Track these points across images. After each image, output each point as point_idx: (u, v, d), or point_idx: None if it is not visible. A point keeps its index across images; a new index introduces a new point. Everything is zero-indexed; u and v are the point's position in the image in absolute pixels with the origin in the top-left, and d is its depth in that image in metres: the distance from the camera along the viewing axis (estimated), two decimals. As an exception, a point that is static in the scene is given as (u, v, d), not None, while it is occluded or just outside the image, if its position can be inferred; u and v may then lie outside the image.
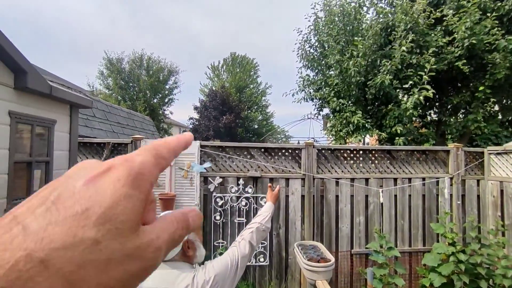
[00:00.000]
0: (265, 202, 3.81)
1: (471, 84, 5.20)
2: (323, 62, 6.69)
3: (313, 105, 7.21)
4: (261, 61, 54.57)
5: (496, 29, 4.67)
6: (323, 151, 3.93)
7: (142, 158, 0.23)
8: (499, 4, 4.82)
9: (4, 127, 2.15)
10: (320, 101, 6.94)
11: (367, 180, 3.94)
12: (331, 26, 5.88)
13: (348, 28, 5.67)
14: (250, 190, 3.75)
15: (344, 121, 5.63)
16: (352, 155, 3.99)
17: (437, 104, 5.91)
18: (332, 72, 6.19)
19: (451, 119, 5.45)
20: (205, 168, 3.71)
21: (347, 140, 5.77)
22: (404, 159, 4.04)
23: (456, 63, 4.82)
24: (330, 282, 3.44)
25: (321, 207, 3.85)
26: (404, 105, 4.78)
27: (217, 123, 17.81)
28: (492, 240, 3.36)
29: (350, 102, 5.80)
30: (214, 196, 3.73)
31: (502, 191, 3.82)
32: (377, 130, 5.42)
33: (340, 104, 5.83)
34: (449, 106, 5.68)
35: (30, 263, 0.17)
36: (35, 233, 0.18)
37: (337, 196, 3.88)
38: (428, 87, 4.71)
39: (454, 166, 4.01)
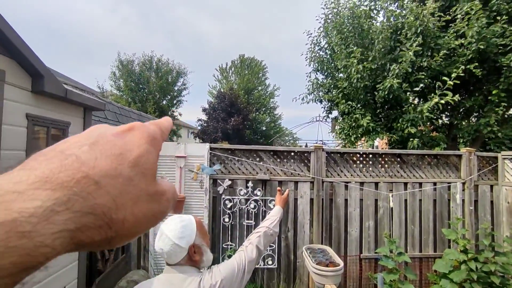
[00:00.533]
0: (273, 205, 3.83)
1: (484, 88, 5.11)
2: (333, 64, 6.67)
3: (322, 107, 7.21)
4: (270, 62, 54.57)
5: (508, 31, 4.58)
6: (332, 154, 3.91)
7: (153, 127, 0.30)
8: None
9: (21, 129, 2.21)
10: (329, 104, 6.91)
11: (376, 184, 3.90)
12: (341, 28, 5.86)
13: (357, 31, 5.64)
14: (259, 193, 3.76)
15: (354, 124, 5.59)
16: (361, 158, 3.97)
17: (449, 107, 5.82)
18: (341, 75, 6.17)
19: (463, 123, 5.36)
20: (214, 171, 3.74)
21: (356, 143, 5.72)
22: (414, 163, 4.00)
23: (468, 66, 4.75)
24: (339, 286, 3.42)
25: (330, 211, 3.83)
26: (420, 108, 4.72)
27: (225, 125, 17.88)
28: (507, 248, 3.29)
29: (359, 105, 5.76)
30: (223, 198, 3.76)
31: (516, 197, 3.74)
32: (388, 133, 5.36)
33: (349, 107, 5.79)
34: (461, 110, 5.59)
35: (88, 182, 0.22)
36: (87, 162, 0.23)
37: (346, 200, 3.85)
38: (449, 92, 4.64)
39: (466, 171, 3.94)
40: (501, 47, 4.69)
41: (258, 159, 3.85)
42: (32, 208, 0.20)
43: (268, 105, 24.29)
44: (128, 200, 0.24)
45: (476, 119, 5.36)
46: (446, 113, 5.91)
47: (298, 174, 3.83)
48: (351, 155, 3.94)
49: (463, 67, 4.71)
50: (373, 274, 3.63)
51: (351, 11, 5.68)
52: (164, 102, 17.88)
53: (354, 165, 3.93)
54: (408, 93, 5.03)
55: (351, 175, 3.91)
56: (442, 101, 4.59)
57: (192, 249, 1.25)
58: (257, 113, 22.88)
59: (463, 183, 3.94)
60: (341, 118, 6.44)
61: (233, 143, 11.63)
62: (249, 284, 3.67)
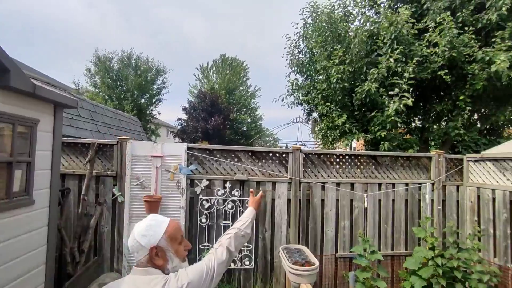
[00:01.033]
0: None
1: (453, 93, 5.38)
2: (312, 67, 6.78)
3: (302, 109, 7.32)
4: (251, 63, 54.70)
5: (473, 41, 4.86)
6: (310, 155, 3.98)
7: None
8: (477, 16, 5.02)
9: (-16, 126, 2.09)
10: (309, 105, 7.02)
11: (352, 184, 4.01)
12: (319, 32, 5.98)
13: (335, 34, 5.78)
14: (236, 193, 3.76)
15: (331, 124, 5.72)
16: (338, 160, 4.06)
17: (421, 111, 6.08)
18: (320, 77, 6.29)
19: (434, 126, 5.62)
20: (191, 171, 3.70)
21: (335, 144, 5.86)
22: (388, 164, 4.14)
23: (439, 73, 4.99)
24: (314, 285, 3.48)
25: (307, 211, 3.89)
26: (386, 112, 4.91)
27: (206, 125, 17.73)
28: (469, 244, 3.48)
29: (337, 107, 5.90)
30: (201, 199, 3.73)
31: (479, 196, 3.97)
32: (363, 134, 5.53)
33: (328, 108, 5.92)
34: (432, 114, 5.86)
35: None
36: None
37: (323, 200, 3.93)
38: (408, 95, 4.84)
39: (435, 172, 4.13)
40: (467, 56, 4.97)
41: (236, 159, 3.85)
42: None
43: (249, 105, 24.33)
44: None
45: (445, 122, 5.63)
46: (419, 116, 6.17)
47: (276, 174, 3.86)
48: (328, 156, 4.03)
49: (430, 71, 4.94)
50: (347, 273, 3.72)
51: (328, 16, 5.81)
52: (143, 100, 17.43)
53: (331, 166, 4.02)
54: (384, 97, 5.21)
55: (328, 176, 3.99)
56: (401, 105, 4.77)
57: (153, 250, 1.21)
58: (238, 113, 22.85)
59: (433, 184, 4.13)
60: (319, 120, 6.57)
61: (213, 143, 11.56)
62: (225, 285, 3.66)
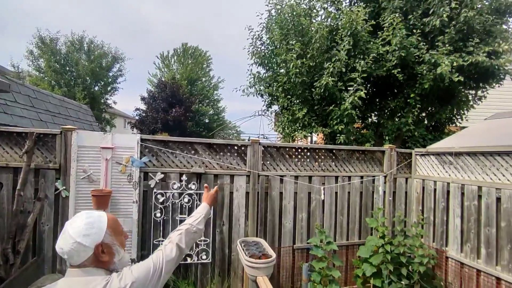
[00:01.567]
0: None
1: (405, 91, 5.70)
2: (274, 60, 6.76)
3: (262, 101, 7.29)
4: (215, 54, 53.56)
5: (421, 43, 5.18)
6: (269, 148, 3.96)
7: None
8: (424, 20, 5.35)
9: None
10: (270, 98, 7.02)
11: (310, 177, 4.07)
12: (281, 25, 5.96)
13: (297, 28, 5.80)
14: (193, 187, 3.62)
15: (291, 118, 5.76)
16: (297, 153, 4.09)
17: (377, 107, 6.37)
18: (282, 70, 6.29)
19: (389, 122, 5.93)
20: (144, 163, 3.48)
21: (295, 137, 5.93)
22: (345, 158, 4.27)
23: (393, 71, 5.24)
24: (272, 277, 3.49)
25: (265, 204, 3.88)
26: (343, 106, 5.06)
27: (166, 116, 17.06)
28: (414, 232, 3.74)
29: (298, 100, 5.96)
30: (155, 192, 3.53)
31: (423, 188, 4.26)
32: (322, 128, 5.65)
33: (288, 102, 5.95)
34: (386, 110, 6.16)
35: None
36: None
37: (281, 193, 3.94)
38: (362, 88, 5.04)
39: (388, 165, 4.35)
40: (417, 57, 5.28)
41: (193, 152, 3.70)
42: None
43: (212, 97, 23.87)
44: None
45: (398, 119, 5.96)
46: (375, 112, 6.46)
47: (235, 167, 3.79)
48: (287, 149, 4.04)
49: (385, 69, 5.19)
50: (303, 263, 3.79)
51: (291, 9, 5.79)
52: (97, 88, 16.16)
53: (290, 159, 4.04)
54: (342, 91, 5.35)
55: (287, 169, 4.01)
56: (356, 97, 4.96)
57: (99, 248, 1.13)
58: (200, 105, 22.33)
59: (385, 176, 4.35)
60: (280, 113, 6.60)
61: (174, 135, 11.13)
62: (181, 281, 3.53)
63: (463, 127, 5.95)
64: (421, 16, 5.42)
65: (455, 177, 3.77)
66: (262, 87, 7.03)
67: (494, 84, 5.68)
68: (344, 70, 5.21)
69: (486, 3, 5.22)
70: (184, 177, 3.61)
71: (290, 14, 5.81)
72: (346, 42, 5.12)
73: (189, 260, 3.60)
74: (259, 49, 6.96)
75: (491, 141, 3.63)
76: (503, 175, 3.22)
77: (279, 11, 6.29)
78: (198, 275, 3.66)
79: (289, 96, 6.07)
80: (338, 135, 5.26)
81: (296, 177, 4.00)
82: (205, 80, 24.25)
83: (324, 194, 4.05)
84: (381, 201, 4.32)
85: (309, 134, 5.87)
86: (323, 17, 6.02)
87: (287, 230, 3.96)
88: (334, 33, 5.54)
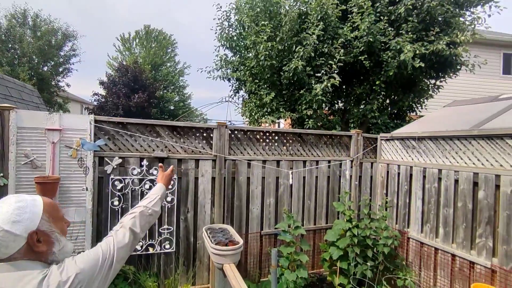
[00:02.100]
0: (172, 186, 3.47)
1: (370, 78, 5.79)
2: (242, 43, 6.52)
3: (229, 85, 7.04)
4: (181, 39, 51.48)
5: (388, 30, 5.26)
6: (236, 132, 3.78)
7: None
8: (391, 8, 5.43)
9: None
10: (237, 82, 6.80)
11: (278, 162, 3.98)
12: (251, 5, 5.72)
13: (267, 10, 5.60)
14: (155, 172, 3.36)
15: (259, 102, 5.61)
16: (265, 137, 3.96)
17: (344, 94, 6.43)
18: (250, 54, 6.09)
19: (355, 109, 6.01)
20: (99, 146, 3.14)
21: (261, 122, 5.80)
22: (313, 142, 4.23)
23: (360, 57, 5.27)
24: (239, 264, 3.38)
25: (232, 189, 3.73)
26: (314, 91, 5.01)
27: (128, 102, 16.04)
28: (379, 215, 3.82)
29: (266, 85, 5.81)
30: (112, 179, 3.22)
31: (388, 172, 4.37)
32: (290, 113, 5.58)
33: (256, 86, 5.79)
34: (353, 97, 6.24)
35: None
36: None
37: (248, 178, 3.81)
38: (336, 75, 5.03)
39: (354, 150, 4.39)
40: (383, 44, 5.36)
41: (155, 135, 3.42)
42: None
43: (177, 83, 22.90)
44: None
45: (364, 105, 6.06)
46: (342, 99, 6.52)
47: (200, 151, 3.57)
48: (255, 133, 3.89)
49: (352, 55, 5.22)
50: (272, 249, 3.73)
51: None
52: (46, 68, 14.57)
53: (258, 144, 3.90)
54: (311, 77, 5.29)
55: (254, 153, 3.87)
56: (329, 84, 4.96)
57: (34, 236, 0.94)
58: (165, 91, 21.35)
59: (351, 161, 4.39)
60: (248, 97, 6.42)
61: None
62: (142, 273, 3.29)
63: (421, 116, 6.23)
64: (387, 4, 5.49)
65: (418, 161, 3.89)
66: (229, 71, 6.77)
67: (451, 75, 5.97)
68: (313, 55, 5.14)
69: (447, -6, 5.42)
70: (145, 162, 3.33)
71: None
72: (317, 26, 5.04)
73: (151, 250, 3.36)
74: (227, 31, 6.67)
75: (450, 126, 3.78)
76: (461, 158, 3.36)
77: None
78: (161, 265, 3.43)
79: (257, 81, 5.90)
80: (306, 120, 5.22)
81: (264, 162, 3.89)
82: (170, 66, 23.15)
83: (292, 178, 3.98)
84: (348, 185, 4.37)
85: (277, 120, 5.77)
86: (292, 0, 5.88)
87: (254, 216, 3.85)
88: (303, 17, 5.43)
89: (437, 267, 3.55)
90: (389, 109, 6.54)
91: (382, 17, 5.27)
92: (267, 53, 5.16)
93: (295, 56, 5.11)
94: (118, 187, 3.25)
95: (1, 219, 0.91)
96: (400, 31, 5.29)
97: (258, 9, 5.66)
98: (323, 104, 5.35)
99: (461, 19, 5.56)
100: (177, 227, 3.48)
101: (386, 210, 3.87)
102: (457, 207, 3.37)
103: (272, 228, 3.93)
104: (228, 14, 6.63)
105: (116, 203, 3.25)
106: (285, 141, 4.08)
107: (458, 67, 5.75)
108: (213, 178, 3.63)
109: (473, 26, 5.45)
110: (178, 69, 23.46)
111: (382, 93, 5.66)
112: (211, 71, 6.85)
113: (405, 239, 3.98)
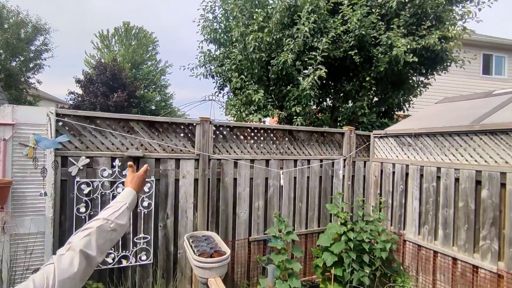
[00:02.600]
0: (149, 189, 3.07)
1: (360, 74, 5.58)
2: (226, 36, 6.17)
3: (213, 82, 6.65)
4: (162, 37, 50.27)
5: (379, 24, 5.07)
6: (221, 128, 3.43)
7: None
8: (381, 1, 5.25)
9: None
10: (222, 79, 6.44)
11: (267, 161, 3.66)
12: (239, -3, 5.39)
13: (256, 1, 5.30)
14: (129, 174, 2.95)
15: (245, 99, 5.28)
16: (253, 134, 3.64)
17: (332, 91, 6.20)
18: (235, 50, 5.75)
19: (344, 106, 5.79)
20: (60, 143, 2.71)
21: (248, 120, 5.47)
22: (304, 140, 3.94)
23: (350, 52, 5.05)
24: (225, 274, 3.03)
25: (217, 192, 3.37)
26: (302, 86, 4.74)
27: (106, 101, 15.32)
28: (374, 216, 3.57)
29: (252, 80, 5.49)
30: (78, 181, 2.80)
31: (382, 171, 4.15)
32: (278, 110, 5.29)
33: (242, 81, 5.46)
34: (342, 93, 6.03)
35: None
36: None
37: (235, 179, 3.47)
38: (322, 67, 4.77)
39: (347, 148, 4.14)
40: (374, 39, 5.16)
41: (129, 131, 3.01)
42: None
43: (158, 82, 22.19)
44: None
45: (353, 102, 5.85)
46: (330, 96, 6.29)
47: (181, 150, 3.19)
48: (242, 129, 3.55)
49: (342, 50, 5.00)
50: (261, 257, 3.40)
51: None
52: (14, 63, 13.55)
53: (245, 141, 3.57)
54: (300, 72, 5.02)
55: (242, 151, 3.54)
56: (316, 77, 4.70)
57: None
58: (146, 90, 20.63)
59: (344, 160, 4.14)
60: (233, 95, 6.08)
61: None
62: (114, 290, 2.87)
63: (407, 115, 6.09)
64: None
65: (414, 159, 3.68)
66: (213, 67, 6.40)
67: (440, 72, 5.86)
68: (302, 49, 4.88)
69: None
70: (117, 162, 2.92)
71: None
72: (307, 19, 4.77)
73: (124, 263, 2.95)
74: (210, 23, 6.30)
75: (448, 122, 3.59)
76: (462, 155, 3.17)
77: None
78: (137, 279, 3.03)
79: (243, 76, 5.56)
80: (295, 118, 4.94)
81: (252, 161, 3.56)
82: (151, 64, 22.42)
83: (283, 179, 3.68)
84: (340, 186, 4.11)
85: (264, 118, 5.46)
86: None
87: (242, 221, 3.51)
88: (292, 9, 5.15)
89: (436, 271, 3.34)
90: (378, 107, 6.37)
91: (373, 10, 5.08)
92: (257, 44, 4.84)
93: (285, 49, 4.82)
94: (85, 191, 2.83)
95: None
96: (391, 26, 5.11)
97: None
98: (312, 100, 5.09)
99: (452, 12, 5.46)
100: (155, 235, 3.08)
101: (380, 211, 3.64)
102: (458, 208, 3.16)
103: (262, 234, 3.60)
104: (212, 6, 6.26)
105: (82, 209, 2.82)
106: (274, 138, 3.77)
107: (448, 63, 5.65)
108: (196, 180, 3.25)
109: (464, 20, 5.36)
110: (160, 67, 22.77)
111: (373, 89, 5.46)
112: (194, 68, 6.46)
113: (401, 242, 3.76)
